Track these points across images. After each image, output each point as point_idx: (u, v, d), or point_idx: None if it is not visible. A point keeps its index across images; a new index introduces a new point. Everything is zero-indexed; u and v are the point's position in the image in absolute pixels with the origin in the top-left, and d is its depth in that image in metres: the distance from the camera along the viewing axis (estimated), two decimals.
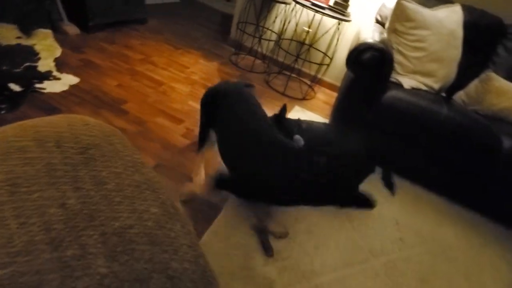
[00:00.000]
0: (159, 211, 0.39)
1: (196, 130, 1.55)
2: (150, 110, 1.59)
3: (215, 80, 2.11)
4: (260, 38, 2.51)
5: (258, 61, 2.60)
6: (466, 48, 1.75)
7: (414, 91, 1.59)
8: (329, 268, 1.08)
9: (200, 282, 0.34)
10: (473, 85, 1.73)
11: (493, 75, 1.64)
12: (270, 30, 2.53)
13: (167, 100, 1.72)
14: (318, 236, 1.18)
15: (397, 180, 1.66)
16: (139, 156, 0.46)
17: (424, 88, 1.68)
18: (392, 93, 1.50)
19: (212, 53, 2.54)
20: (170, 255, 0.34)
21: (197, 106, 1.76)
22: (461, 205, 1.64)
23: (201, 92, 1.90)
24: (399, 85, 1.62)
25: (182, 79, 1.98)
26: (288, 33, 2.44)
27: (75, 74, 1.65)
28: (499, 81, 1.62)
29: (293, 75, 2.51)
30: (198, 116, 1.66)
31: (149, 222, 0.36)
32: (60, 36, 1.97)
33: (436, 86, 1.72)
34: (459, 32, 1.72)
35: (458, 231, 1.47)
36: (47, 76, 1.57)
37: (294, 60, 2.28)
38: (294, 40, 2.42)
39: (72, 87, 1.56)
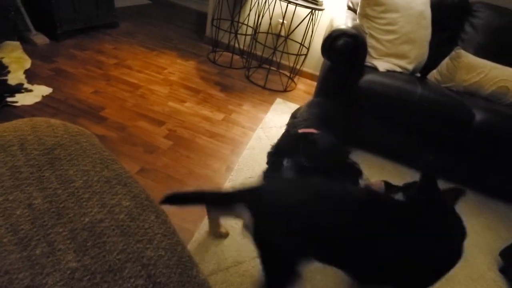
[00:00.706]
0: (131, 204, 0.39)
1: (179, 131, 1.54)
2: (130, 114, 1.57)
3: (195, 80, 2.09)
4: (236, 34, 2.50)
5: (236, 57, 2.59)
6: (435, 28, 1.80)
7: (389, 73, 1.62)
8: None
9: (176, 267, 0.34)
10: (445, 63, 1.79)
11: (462, 52, 1.70)
12: (246, 24, 2.52)
13: (146, 103, 1.69)
14: None
15: (380, 161, 1.71)
16: (108, 154, 0.46)
17: (398, 70, 1.72)
18: (368, 77, 1.53)
19: (189, 52, 2.52)
20: (144, 245, 0.34)
21: (177, 106, 1.74)
22: (442, 178, 1.69)
23: (181, 92, 1.89)
24: (374, 69, 1.66)
25: (160, 81, 1.95)
26: (264, 26, 2.44)
27: (48, 84, 1.61)
28: (468, 58, 1.68)
29: (273, 68, 2.52)
30: (180, 117, 1.65)
31: (121, 215, 0.37)
32: (29, 47, 1.90)
33: (410, 67, 1.76)
34: (428, 13, 1.76)
35: None
36: (18, 89, 1.52)
37: (272, 53, 2.29)
38: (270, 33, 2.42)
39: (46, 98, 1.52)
